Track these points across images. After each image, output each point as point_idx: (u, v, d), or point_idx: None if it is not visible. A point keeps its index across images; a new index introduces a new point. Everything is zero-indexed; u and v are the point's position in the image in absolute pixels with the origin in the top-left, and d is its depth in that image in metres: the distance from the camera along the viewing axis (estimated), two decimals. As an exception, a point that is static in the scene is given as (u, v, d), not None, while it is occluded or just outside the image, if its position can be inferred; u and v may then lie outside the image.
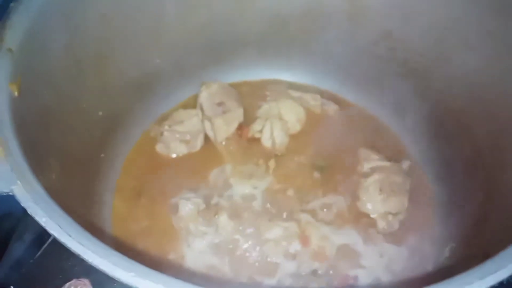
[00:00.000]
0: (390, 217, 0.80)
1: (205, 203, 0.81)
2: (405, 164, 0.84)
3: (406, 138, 0.90)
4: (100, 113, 0.80)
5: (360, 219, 0.80)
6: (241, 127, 0.90)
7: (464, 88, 0.76)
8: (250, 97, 0.95)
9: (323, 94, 0.96)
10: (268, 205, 0.82)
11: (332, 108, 0.95)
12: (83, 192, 0.75)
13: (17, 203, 0.44)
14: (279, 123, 0.90)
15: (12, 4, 0.59)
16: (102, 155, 0.82)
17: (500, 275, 0.40)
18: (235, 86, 0.96)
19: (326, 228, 0.79)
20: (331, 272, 0.75)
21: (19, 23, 0.59)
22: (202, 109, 0.90)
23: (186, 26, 0.87)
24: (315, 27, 0.91)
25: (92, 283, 0.41)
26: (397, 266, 0.76)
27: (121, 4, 0.76)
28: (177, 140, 0.88)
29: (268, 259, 0.76)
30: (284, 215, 0.80)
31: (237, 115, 0.90)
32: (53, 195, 0.49)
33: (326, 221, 0.80)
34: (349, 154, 0.88)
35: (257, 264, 0.76)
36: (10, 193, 0.43)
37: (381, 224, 0.79)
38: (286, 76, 0.99)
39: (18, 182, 0.45)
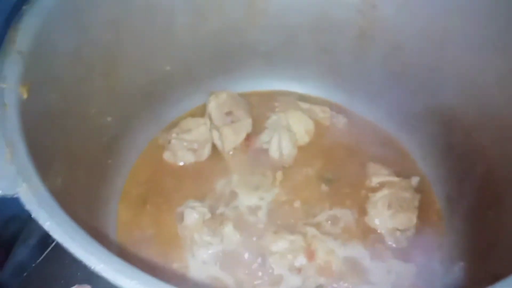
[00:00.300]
0: (398, 233, 0.78)
1: (210, 213, 0.80)
2: (415, 180, 0.83)
3: (416, 154, 0.89)
4: (109, 118, 0.79)
5: (367, 234, 0.79)
6: (249, 138, 0.90)
7: (476, 105, 0.75)
8: (259, 107, 0.95)
9: (333, 107, 0.96)
10: (274, 217, 0.81)
11: (341, 121, 0.94)
12: (89, 198, 0.74)
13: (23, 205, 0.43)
14: (287, 134, 0.89)
15: (24, 7, 0.59)
16: (109, 161, 0.82)
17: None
18: (244, 96, 0.96)
19: (333, 242, 0.78)
20: (337, 287, 0.73)
21: (30, 26, 0.59)
22: (210, 118, 0.90)
23: (197, 34, 0.87)
24: (326, 39, 0.91)
25: (94, 290, 0.40)
26: (405, 283, 0.74)
27: (131, 10, 0.76)
28: (184, 148, 0.88)
29: (273, 272, 0.75)
30: (290, 227, 0.79)
31: (246, 125, 0.89)
32: (58, 199, 0.48)
33: (333, 235, 0.79)
34: (358, 168, 0.87)
35: (261, 277, 0.74)
36: (15, 196, 0.43)
37: (389, 240, 0.78)
38: (295, 87, 0.98)
39: (24, 184, 0.44)
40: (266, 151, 0.89)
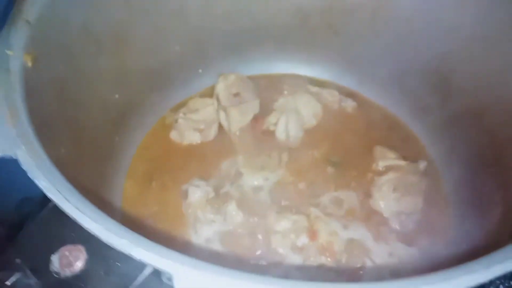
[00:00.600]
0: (403, 217, 0.77)
1: (215, 192, 0.80)
2: (422, 164, 0.82)
3: (425, 139, 0.88)
4: (117, 96, 0.80)
5: (371, 217, 0.79)
6: (256, 119, 0.90)
7: (487, 89, 0.74)
8: (267, 90, 0.95)
9: (342, 91, 0.95)
10: (278, 197, 0.81)
11: (350, 104, 0.93)
12: (95, 172, 0.75)
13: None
14: (295, 116, 0.89)
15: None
16: (117, 138, 0.83)
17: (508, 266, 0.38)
18: (253, 78, 0.96)
19: (336, 223, 0.77)
20: (338, 267, 0.73)
21: (36, 1, 0.60)
22: (218, 99, 0.90)
23: (208, 15, 0.87)
24: (337, 23, 0.90)
25: (87, 251, 0.41)
26: (407, 267, 0.73)
27: (142, -13, 0.77)
28: (191, 128, 0.88)
29: (275, 251, 0.75)
30: (294, 208, 0.79)
31: (253, 106, 0.89)
32: (59, 167, 0.49)
33: (336, 217, 0.78)
34: (365, 152, 0.86)
35: (262, 255, 0.74)
36: (14, 157, 0.44)
37: (394, 223, 0.77)
38: (305, 71, 0.98)
39: (23, 147, 0.45)
40: (273, 133, 0.89)
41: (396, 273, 0.72)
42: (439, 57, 0.81)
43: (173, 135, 0.89)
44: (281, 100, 0.92)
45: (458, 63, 0.78)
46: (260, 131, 0.90)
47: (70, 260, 0.42)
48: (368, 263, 0.74)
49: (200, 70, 0.95)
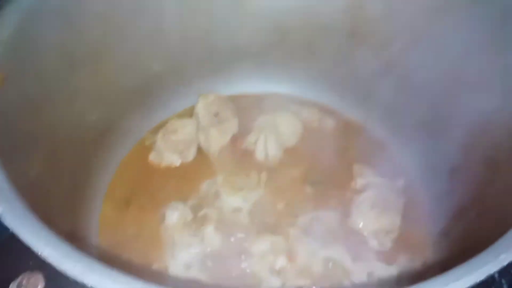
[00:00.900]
0: (381, 235, 0.77)
1: (193, 214, 0.80)
2: (400, 182, 0.82)
3: (403, 156, 0.88)
4: (94, 117, 0.80)
5: (350, 236, 0.78)
6: (235, 139, 0.90)
7: (462, 104, 0.74)
8: (247, 109, 0.95)
9: (322, 109, 0.95)
10: (257, 218, 0.80)
11: (329, 122, 0.93)
12: (71, 195, 0.74)
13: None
14: (274, 135, 0.89)
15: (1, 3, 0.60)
16: (94, 159, 0.82)
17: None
18: (233, 98, 0.96)
19: (315, 243, 0.76)
20: (317, 289, 0.72)
21: (10, 17, 0.60)
22: (198, 119, 0.90)
23: (186, 33, 0.88)
24: (315, 40, 0.91)
25: (45, 278, 0.40)
26: (387, 286, 0.72)
27: (120, 7, 0.77)
28: (170, 149, 0.88)
29: (253, 274, 0.74)
30: (272, 229, 0.78)
31: (232, 126, 0.89)
32: (27, 191, 0.48)
33: (315, 237, 0.77)
34: (344, 170, 0.86)
35: (240, 278, 0.73)
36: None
37: (372, 242, 0.77)
38: (285, 89, 0.98)
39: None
40: (252, 152, 0.89)
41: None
42: (414, 70, 0.82)
43: (152, 157, 0.88)
44: (261, 119, 0.92)
45: (432, 75, 0.78)
46: (239, 150, 0.89)
47: (28, 288, 0.41)
48: (347, 284, 0.73)
49: (179, 89, 0.95)
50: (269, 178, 0.85)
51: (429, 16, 0.77)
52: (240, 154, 0.89)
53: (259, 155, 0.88)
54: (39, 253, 0.38)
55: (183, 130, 0.89)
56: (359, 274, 0.74)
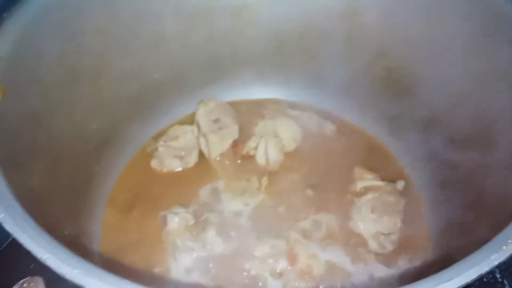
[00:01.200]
0: (381, 238, 0.77)
1: (194, 219, 0.80)
2: (400, 184, 0.82)
3: (403, 159, 0.88)
4: (95, 125, 0.81)
5: (351, 239, 0.78)
6: (236, 144, 0.90)
7: (457, 107, 0.75)
8: (247, 115, 0.96)
9: (321, 113, 0.96)
10: (258, 222, 0.81)
11: (329, 127, 0.94)
12: (73, 202, 0.76)
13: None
14: (274, 140, 0.89)
15: (5, 14, 0.62)
16: (96, 167, 0.83)
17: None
18: (233, 104, 0.97)
19: (315, 246, 0.77)
20: (318, 292, 0.73)
21: (11, 30, 0.62)
22: (198, 126, 0.91)
23: (186, 43, 0.89)
24: (313, 47, 0.91)
25: (45, 282, 0.41)
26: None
27: (120, 18, 0.78)
28: (171, 155, 0.89)
29: (254, 277, 0.74)
30: (273, 232, 0.79)
31: (232, 132, 0.90)
32: (29, 199, 0.50)
33: (316, 240, 0.78)
34: (344, 173, 0.87)
35: (241, 282, 0.74)
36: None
37: (373, 244, 0.77)
38: (284, 95, 0.99)
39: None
40: (253, 158, 0.90)
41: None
42: (409, 76, 0.83)
43: (154, 163, 0.89)
44: (261, 125, 0.93)
45: (427, 81, 0.79)
46: (240, 156, 0.90)
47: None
48: (348, 287, 0.73)
49: (180, 96, 0.96)
50: (270, 182, 0.86)
51: (424, 22, 0.77)
52: (241, 159, 0.90)
53: (260, 160, 0.89)
54: (39, 258, 0.39)
55: (184, 136, 0.91)
56: (360, 276, 0.74)
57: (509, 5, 0.64)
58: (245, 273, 0.75)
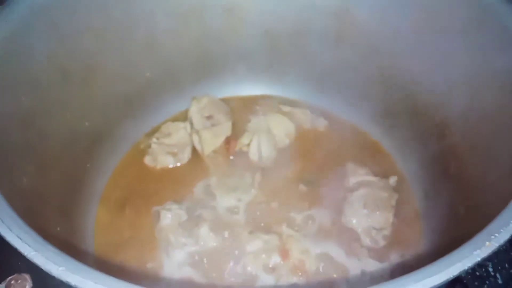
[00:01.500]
0: (374, 233, 0.78)
1: (187, 215, 0.81)
2: (392, 180, 0.82)
3: (395, 154, 0.89)
4: (87, 123, 0.81)
5: (343, 234, 0.79)
6: (229, 141, 0.91)
7: (446, 104, 0.75)
8: (240, 111, 0.96)
9: (314, 110, 0.96)
10: (251, 218, 0.81)
11: (322, 123, 0.94)
12: (66, 200, 0.76)
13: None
14: (267, 137, 0.90)
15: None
16: (88, 165, 0.83)
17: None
18: (226, 101, 0.97)
19: (308, 241, 0.77)
20: (310, 286, 0.73)
21: (1, 30, 0.62)
22: (191, 122, 0.91)
23: (178, 40, 0.89)
24: (305, 44, 0.92)
25: (32, 279, 0.41)
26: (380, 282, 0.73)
27: (111, 18, 0.78)
28: (164, 152, 0.89)
29: (247, 272, 0.75)
30: (266, 228, 0.79)
31: (225, 128, 0.90)
32: (18, 197, 0.50)
33: (308, 235, 0.78)
34: (337, 169, 0.87)
35: (234, 277, 0.74)
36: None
37: (365, 239, 0.77)
38: (277, 91, 0.99)
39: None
40: (246, 154, 0.90)
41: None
42: (401, 72, 0.83)
43: (147, 160, 0.90)
44: (254, 121, 0.93)
45: (418, 77, 0.79)
46: (233, 152, 0.90)
47: (16, 290, 0.43)
48: (340, 281, 0.73)
49: (173, 94, 0.96)
50: (263, 178, 0.86)
51: (415, 19, 0.77)
52: (234, 156, 0.90)
53: (253, 156, 0.89)
54: (25, 255, 0.39)
55: (177, 133, 0.91)
56: (352, 271, 0.74)
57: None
58: (238, 269, 0.75)
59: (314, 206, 0.82)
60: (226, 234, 0.79)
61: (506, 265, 0.79)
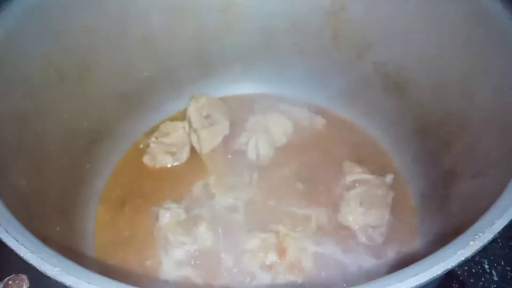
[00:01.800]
0: (370, 230, 0.78)
1: (186, 214, 0.81)
2: (389, 178, 0.83)
3: (393, 152, 0.89)
4: (85, 123, 0.82)
5: (340, 232, 0.79)
6: (227, 140, 0.91)
7: (443, 100, 0.75)
8: (238, 110, 0.96)
9: (312, 108, 0.96)
10: (249, 216, 0.82)
11: (319, 121, 0.94)
12: (65, 200, 0.77)
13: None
14: (265, 135, 0.90)
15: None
16: (88, 165, 0.84)
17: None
18: (225, 99, 0.98)
19: (305, 239, 0.78)
20: (307, 284, 0.74)
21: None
22: (190, 122, 0.92)
23: (174, 38, 0.89)
24: (301, 41, 0.92)
25: (30, 280, 0.42)
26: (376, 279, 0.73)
27: (106, 17, 0.79)
28: (163, 151, 0.90)
29: (244, 270, 0.75)
30: (263, 226, 0.80)
31: (223, 127, 0.91)
32: (15, 198, 0.51)
33: (305, 233, 0.79)
34: (334, 167, 0.87)
35: (231, 275, 0.75)
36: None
37: (361, 237, 0.78)
38: (274, 90, 1.00)
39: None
40: (244, 153, 0.90)
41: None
42: (396, 69, 0.83)
43: (146, 159, 0.90)
44: (252, 120, 0.94)
45: (413, 74, 0.79)
46: (231, 151, 0.91)
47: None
48: (337, 279, 0.74)
49: (171, 93, 0.97)
50: (261, 177, 0.87)
51: (410, 15, 0.77)
52: (232, 155, 0.90)
53: (251, 155, 0.89)
54: (22, 256, 0.40)
55: (176, 132, 0.91)
56: (349, 268, 0.75)
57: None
58: (235, 267, 0.76)
59: (311, 204, 0.83)
60: (225, 233, 0.79)
61: (502, 262, 0.79)
